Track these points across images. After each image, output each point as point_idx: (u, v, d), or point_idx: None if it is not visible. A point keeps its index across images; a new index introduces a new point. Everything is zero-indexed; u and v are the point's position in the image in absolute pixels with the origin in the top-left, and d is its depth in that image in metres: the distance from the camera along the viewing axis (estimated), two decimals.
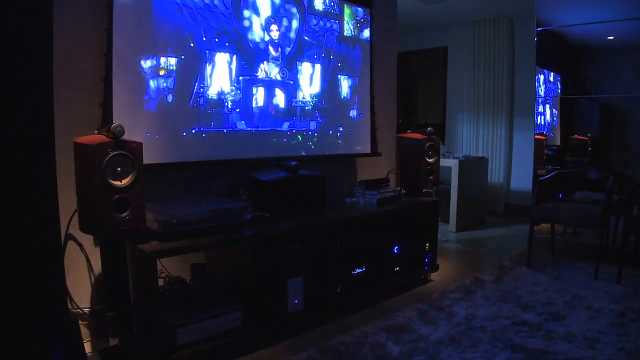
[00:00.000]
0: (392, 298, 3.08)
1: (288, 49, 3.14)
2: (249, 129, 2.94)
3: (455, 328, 2.60)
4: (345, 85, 3.56)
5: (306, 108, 3.29)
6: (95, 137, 1.95)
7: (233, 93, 2.85)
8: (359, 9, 3.64)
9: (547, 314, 2.77)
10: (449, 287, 3.26)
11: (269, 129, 3.06)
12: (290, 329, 2.55)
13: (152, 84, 2.51)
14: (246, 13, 2.89)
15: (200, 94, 2.71)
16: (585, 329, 2.55)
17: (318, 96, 3.36)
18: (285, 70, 3.13)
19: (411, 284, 3.31)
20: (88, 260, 2.48)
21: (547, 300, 3.00)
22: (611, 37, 4.81)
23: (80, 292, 2.46)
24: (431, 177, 3.49)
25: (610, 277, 3.42)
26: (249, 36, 2.92)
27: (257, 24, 2.96)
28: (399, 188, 3.47)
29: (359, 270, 2.94)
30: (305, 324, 2.62)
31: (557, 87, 5.31)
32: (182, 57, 2.62)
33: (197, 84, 2.69)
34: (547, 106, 5.13)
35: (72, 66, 2.36)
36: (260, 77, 2.98)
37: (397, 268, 3.21)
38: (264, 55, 3.00)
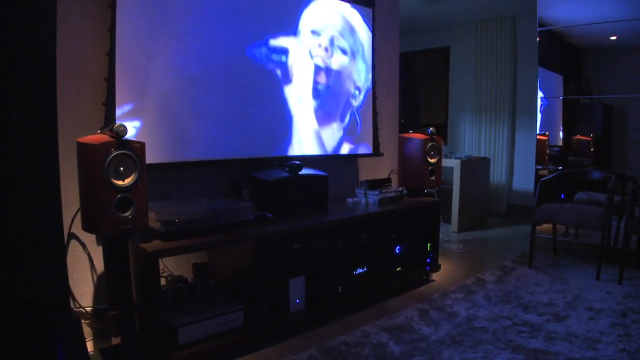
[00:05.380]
0: (393, 298, 3.09)
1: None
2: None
3: (457, 328, 2.60)
4: (347, 85, 3.56)
5: (309, 109, 3.30)
6: (98, 137, 1.96)
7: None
8: (362, 9, 3.64)
9: (548, 315, 2.77)
10: (451, 287, 3.27)
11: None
12: (292, 328, 2.56)
13: (155, 84, 2.52)
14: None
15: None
16: (586, 330, 2.56)
17: (321, 98, 3.37)
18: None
19: (413, 284, 3.32)
20: (90, 259, 2.49)
21: (548, 301, 3.00)
22: (614, 38, 4.79)
23: (83, 291, 2.48)
24: (433, 177, 3.49)
25: (612, 278, 3.42)
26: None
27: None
28: (400, 188, 3.47)
29: (361, 270, 2.94)
30: (307, 323, 2.63)
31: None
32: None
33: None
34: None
35: (75, 66, 2.37)
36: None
37: (399, 268, 3.21)
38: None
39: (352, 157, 3.79)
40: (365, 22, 3.68)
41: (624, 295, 3.10)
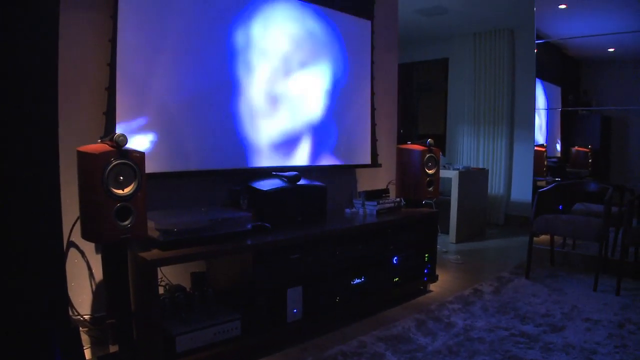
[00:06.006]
0: (391, 308, 3.09)
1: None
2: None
3: (454, 339, 2.60)
4: (346, 96, 3.59)
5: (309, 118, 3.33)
6: (98, 146, 1.98)
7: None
8: (360, 21, 3.68)
9: (545, 326, 2.78)
10: (448, 297, 3.27)
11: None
12: (289, 338, 2.56)
13: (155, 93, 2.55)
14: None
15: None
16: (583, 341, 2.56)
17: (320, 108, 3.40)
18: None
19: (410, 295, 3.32)
20: (89, 267, 2.51)
21: (545, 312, 3.00)
22: (611, 49, 4.83)
23: (81, 299, 2.48)
24: (431, 188, 3.51)
25: (609, 289, 3.42)
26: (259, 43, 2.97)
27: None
28: (398, 199, 3.49)
29: (358, 281, 2.95)
30: (304, 333, 2.63)
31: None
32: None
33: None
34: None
35: (76, 76, 2.40)
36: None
37: (396, 279, 3.22)
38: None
39: (350, 168, 3.81)
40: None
41: (621, 306, 3.10)
